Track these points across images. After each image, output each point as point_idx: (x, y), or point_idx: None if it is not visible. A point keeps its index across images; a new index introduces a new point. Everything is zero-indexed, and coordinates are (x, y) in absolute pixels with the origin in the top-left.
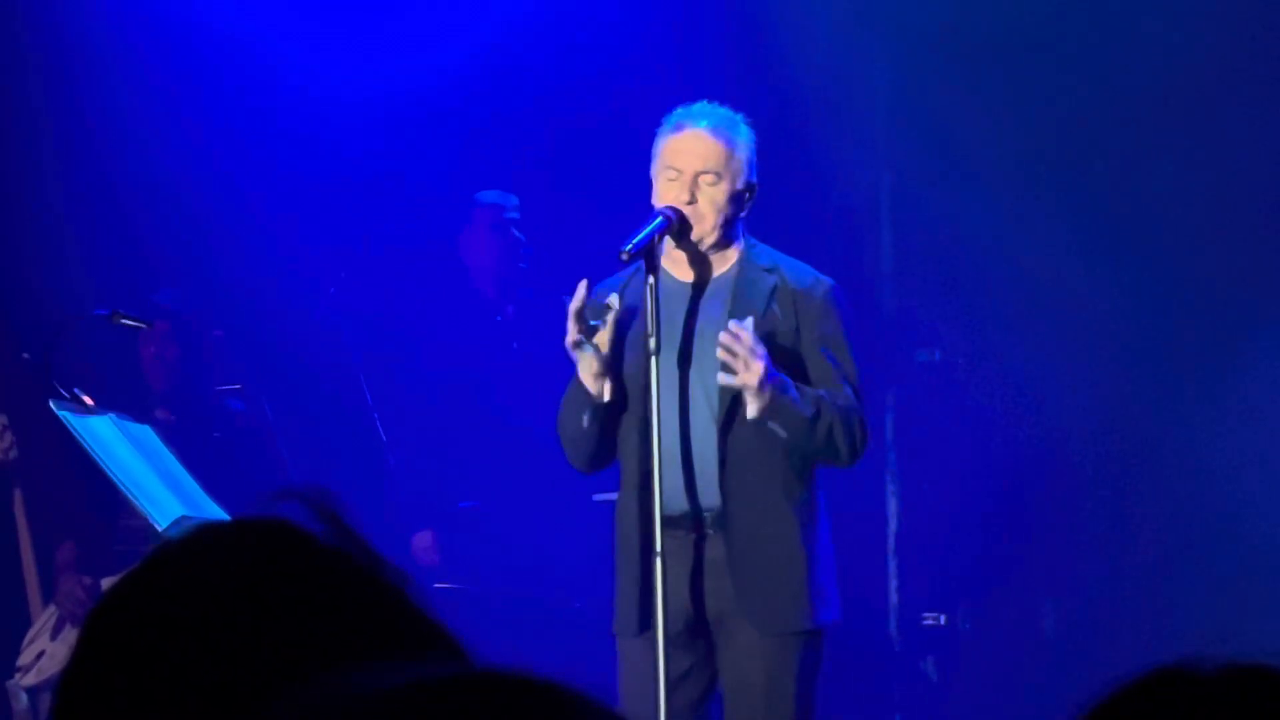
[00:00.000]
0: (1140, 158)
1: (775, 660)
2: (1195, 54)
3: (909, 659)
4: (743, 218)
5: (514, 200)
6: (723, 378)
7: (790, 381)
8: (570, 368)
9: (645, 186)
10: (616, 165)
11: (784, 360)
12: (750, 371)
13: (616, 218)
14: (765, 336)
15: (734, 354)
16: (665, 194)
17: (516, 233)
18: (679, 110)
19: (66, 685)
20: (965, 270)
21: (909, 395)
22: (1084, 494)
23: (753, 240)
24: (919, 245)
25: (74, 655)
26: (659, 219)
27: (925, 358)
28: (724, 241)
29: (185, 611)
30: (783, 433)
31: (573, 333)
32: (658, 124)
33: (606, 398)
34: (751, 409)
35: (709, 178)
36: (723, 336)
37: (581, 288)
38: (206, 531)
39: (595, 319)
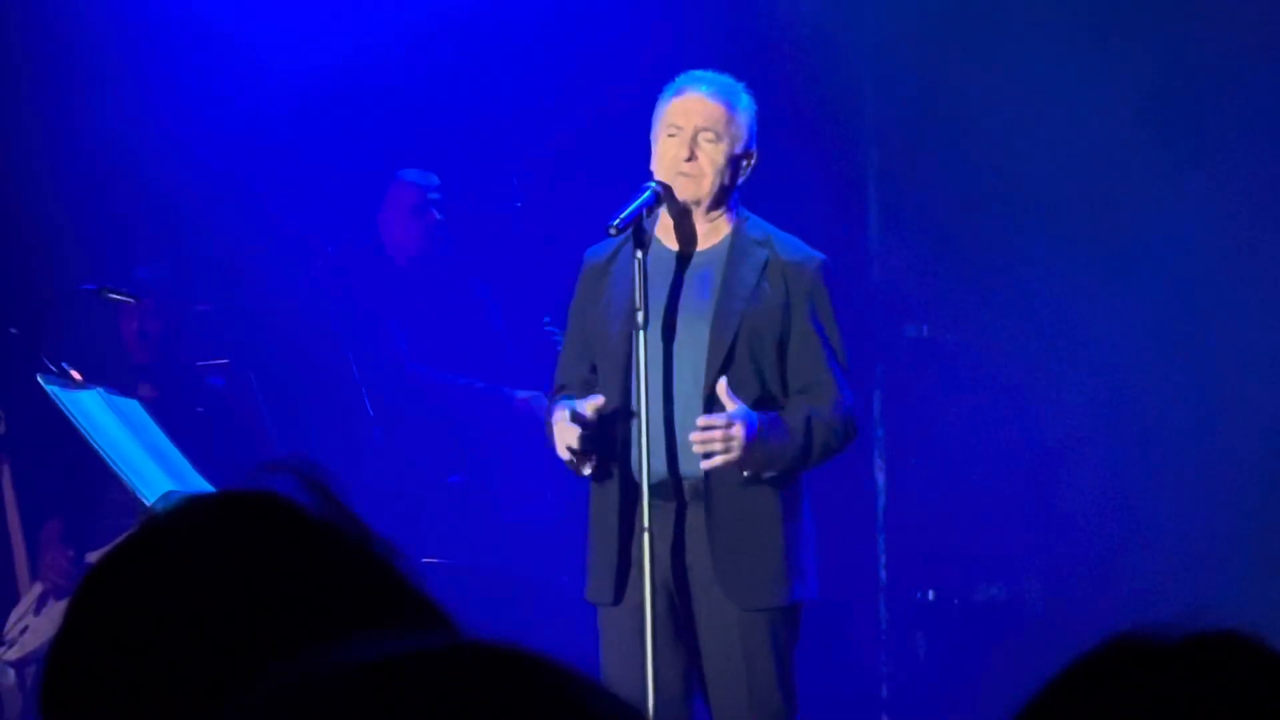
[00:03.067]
0: (1132, 140)
1: (752, 635)
2: (1186, 35)
3: (897, 635)
4: (739, 186)
5: (435, 180)
6: (705, 464)
7: (772, 418)
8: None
9: (634, 162)
10: (608, 137)
11: (770, 336)
12: (734, 445)
13: (609, 193)
14: (754, 311)
15: (712, 439)
16: (665, 152)
17: (437, 214)
18: (681, 75)
19: (54, 658)
20: (953, 245)
21: (897, 371)
22: (1072, 469)
23: (746, 213)
24: (906, 220)
25: (61, 628)
26: (647, 192)
27: (913, 333)
28: (718, 207)
29: (173, 584)
30: (774, 472)
31: (568, 447)
32: (640, 98)
33: (587, 473)
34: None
35: (709, 135)
36: (694, 435)
37: (590, 407)
38: (194, 504)
39: (588, 292)
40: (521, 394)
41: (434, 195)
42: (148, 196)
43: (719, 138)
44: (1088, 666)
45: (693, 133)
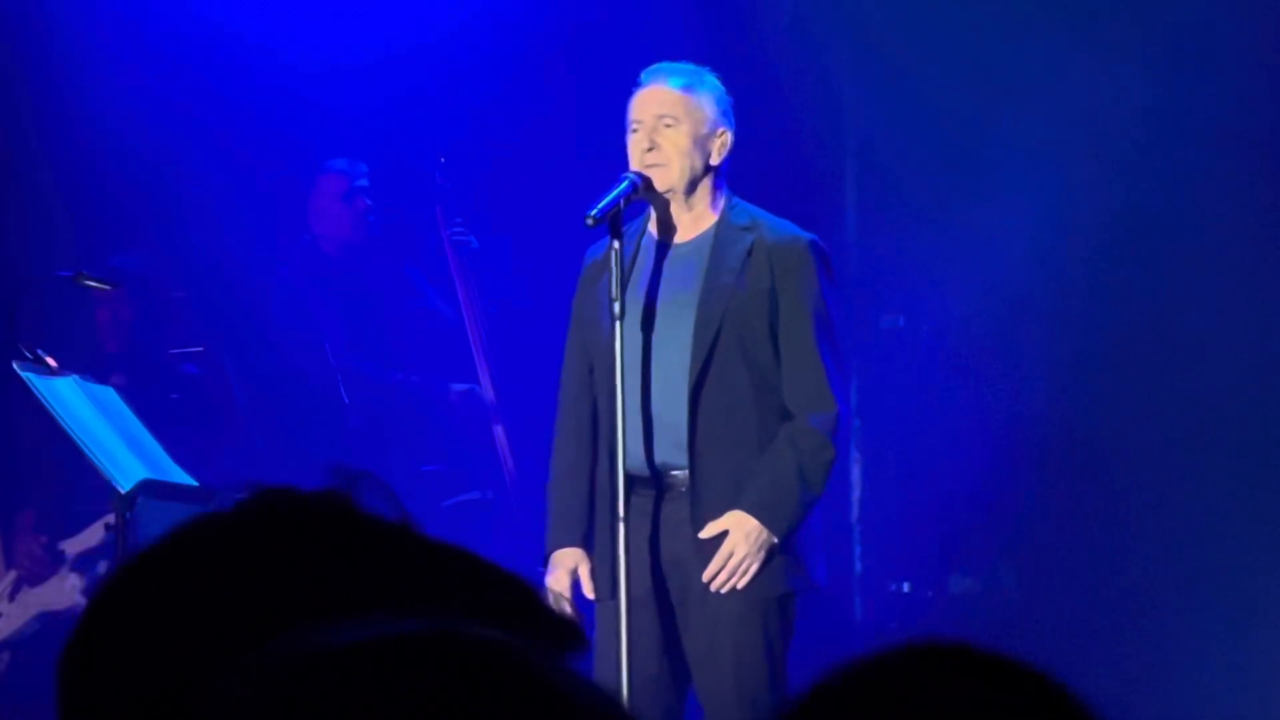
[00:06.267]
0: (1114, 126)
1: (740, 626)
2: (1170, 27)
3: (872, 626)
4: (716, 169)
5: (363, 168)
6: (744, 583)
7: (764, 494)
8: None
9: (609, 150)
10: (577, 131)
11: (758, 321)
12: (749, 559)
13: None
14: (739, 298)
15: (729, 579)
16: (632, 149)
17: (367, 200)
18: (644, 71)
19: (86, 623)
20: (931, 236)
21: (874, 362)
22: (1048, 461)
23: (736, 200)
24: (884, 210)
25: (83, 615)
26: (624, 183)
27: (890, 324)
28: (695, 192)
29: (195, 561)
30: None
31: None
32: (614, 89)
33: (591, 597)
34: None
35: (667, 120)
36: (714, 585)
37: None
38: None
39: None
40: (458, 387)
41: (362, 183)
42: (125, 184)
43: (678, 121)
44: (877, 672)
45: (652, 123)
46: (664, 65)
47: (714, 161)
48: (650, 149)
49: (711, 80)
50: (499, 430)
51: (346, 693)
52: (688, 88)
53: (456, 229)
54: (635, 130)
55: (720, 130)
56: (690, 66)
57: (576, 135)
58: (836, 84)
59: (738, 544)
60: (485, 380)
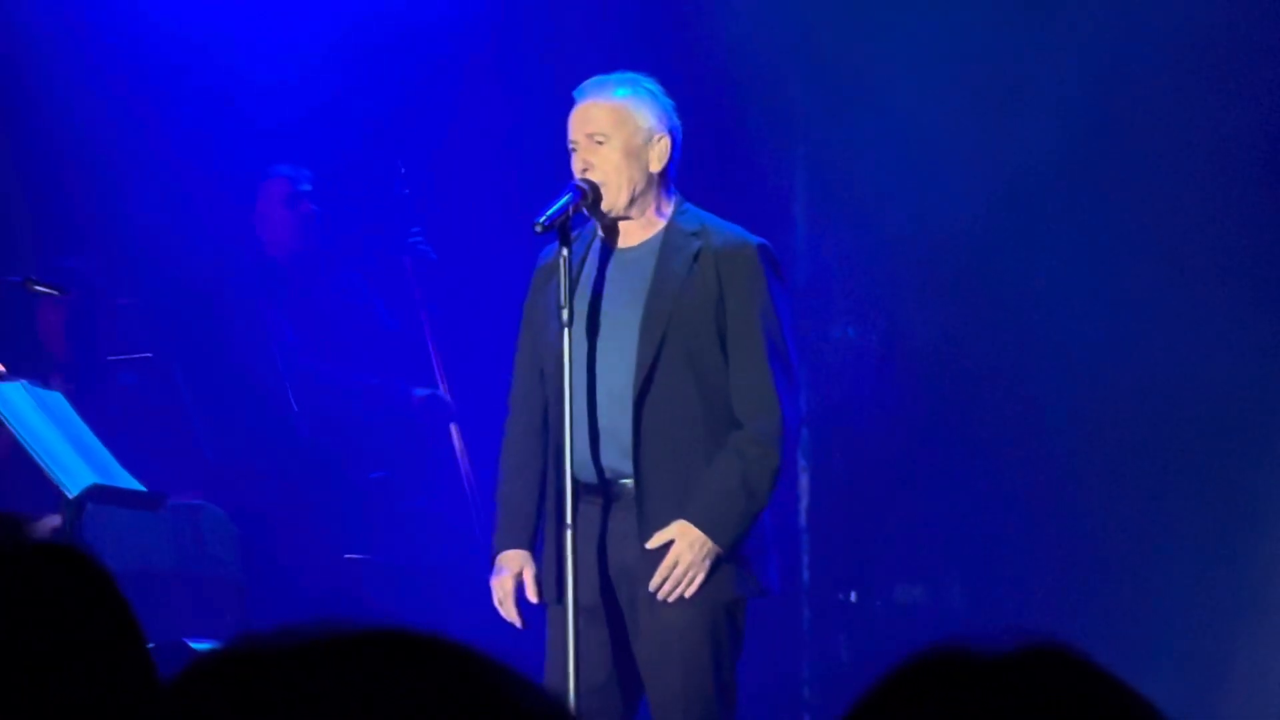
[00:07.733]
0: (1069, 130)
1: (690, 632)
2: (1112, 33)
3: (819, 636)
4: (659, 175)
5: (307, 173)
6: (690, 592)
7: (709, 504)
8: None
9: (546, 158)
10: (532, 134)
11: (705, 328)
12: (694, 571)
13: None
14: (685, 304)
15: (674, 589)
16: (574, 169)
17: (311, 205)
18: (576, 88)
19: None
20: (880, 245)
21: (822, 372)
22: (992, 471)
23: (686, 205)
24: (833, 219)
25: None
26: (571, 191)
27: (839, 334)
28: (635, 204)
29: None
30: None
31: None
32: (562, 97)
33: (535, 600)
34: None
35: (598, 138)
36: (660, 594)
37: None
38: None
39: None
40: (419, 391)
41: (305, 187)
42: (70, 188)
43: (609, 137)
44: (903, 678)
45: (585, 142)
46: (594, 80)
47: (654, 169)
48: (586, 169)
49: (646, 86)
50: (456, 436)
51: (298, 691)
52: (617, 100)
53: (416, 238)
54: (573, 150)
55: (657, 136)
56: (624, 75)
57: (528, 140)
58: (786, 92)
59: (682, 554)
60: (441, 388)
